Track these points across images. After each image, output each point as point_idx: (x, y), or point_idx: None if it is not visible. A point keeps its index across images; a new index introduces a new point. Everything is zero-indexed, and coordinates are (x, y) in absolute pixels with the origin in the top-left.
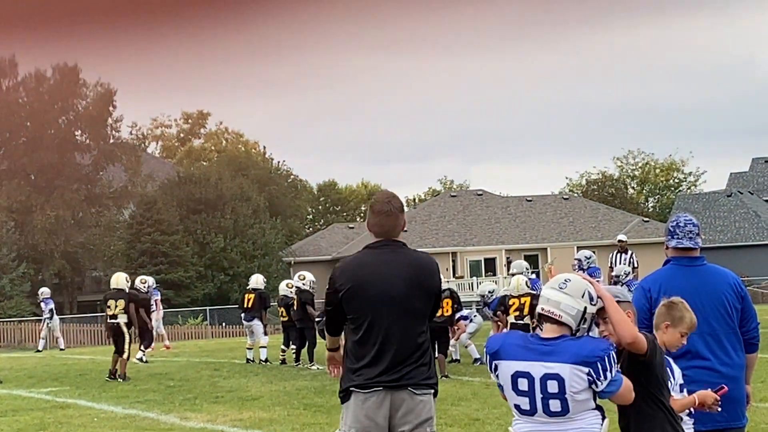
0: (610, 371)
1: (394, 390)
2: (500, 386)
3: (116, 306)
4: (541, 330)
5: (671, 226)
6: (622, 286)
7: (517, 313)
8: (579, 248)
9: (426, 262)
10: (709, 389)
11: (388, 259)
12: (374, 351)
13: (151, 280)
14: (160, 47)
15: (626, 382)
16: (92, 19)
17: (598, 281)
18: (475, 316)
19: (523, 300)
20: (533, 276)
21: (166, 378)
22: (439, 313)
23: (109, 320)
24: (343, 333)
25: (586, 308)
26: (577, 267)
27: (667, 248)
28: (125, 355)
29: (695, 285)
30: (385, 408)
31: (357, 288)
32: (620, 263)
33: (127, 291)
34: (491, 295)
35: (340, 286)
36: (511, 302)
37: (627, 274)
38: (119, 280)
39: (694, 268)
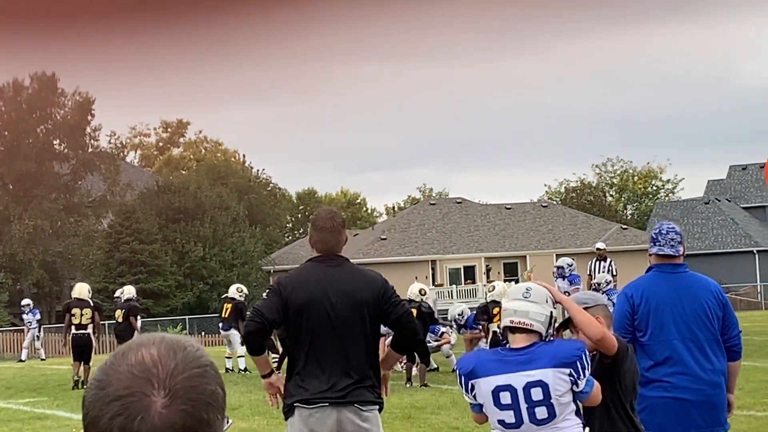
0: (588, 369)
1: (340, 406)
2: (476, 406)
3: (82, 315)
4: (508, 342)
5: (654, 234)
6: (602, 294)
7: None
8: (558, 256)
9: (369, 277)
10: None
11: (332, 273)
12: (318, 366)
13: (132, 290)
14: (138, 56)
15: (596, 383)
16: (70, 28)
17: (577, 288)
18: (450, 334)
19: None
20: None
21: None
22: None
23: (77, 331)
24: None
25: (551, 312)
26: (558, 275)
27: (650, 255)
28: (91, 362)
29: (677, 292)
30: (331, 424)
31: (301, 302)
32: (600, 271)
33: (91, 302)
34: (462, 317)
35: (285, 297)
36: (496, 311)
37: (608, 283)
38: (82, 290)
39: (676, 275)
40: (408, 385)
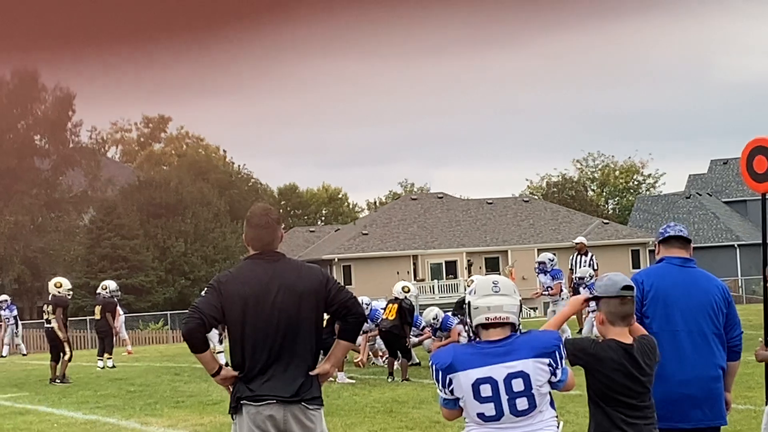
0: (564, 359)
1: (287, 404)
2: (450, 401)
3: (47, 311)
4: (479, 338)
5: (662, 232)
6: (584, 288)
7: None
8: (540, 250)
9: (309, 268)
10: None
11: (271, 268)
12: (263, 363)
13: (113, 285)
14: (120, 52)
15: (570, 371)
16: (51, 23)
17: (560, 283)
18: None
19: None
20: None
21: (127, 383)
22: (385, 316)
23: (46, 325)
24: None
25: (520, 302)
26: (539, 270)
27: (658, 251)
28: (67, 356)
29: (686, 284)
30: (278, 421)
31: (241, 298)
32: (581, 265)
33: (58, 296)
34: (438, 320)
35: (225, 294)
36: None
37: (591, 277)
38: (50, 286)
39: (685, 269)
40: (390, 380)
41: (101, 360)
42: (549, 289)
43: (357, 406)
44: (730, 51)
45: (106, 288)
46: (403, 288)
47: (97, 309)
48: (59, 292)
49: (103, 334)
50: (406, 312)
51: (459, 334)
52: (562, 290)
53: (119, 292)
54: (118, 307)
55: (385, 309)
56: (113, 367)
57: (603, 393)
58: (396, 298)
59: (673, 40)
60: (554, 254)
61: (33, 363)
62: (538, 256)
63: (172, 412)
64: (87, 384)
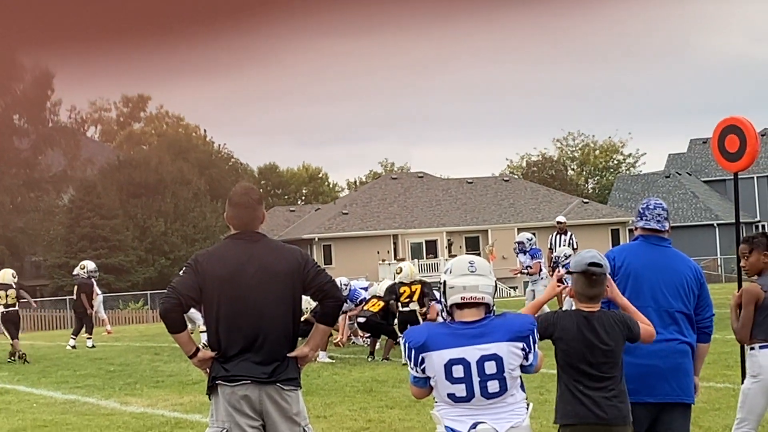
0: (537, 343)
1: (263, 384)
2: (420, 380)
3: (7, 296)
4: (452, 318)
5: (641, 209)
6: (562, 267)
7: (407, 300)
8: (520, 230)
9: (288, 250)
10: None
11: (250, 249)
12: (240, 344)
13: (91, 265)
14: (99, 31)
15: (540, 354)
16: (29, 2)
17: (539, 262)
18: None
19: (414, 288)
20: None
21: (106, 363)
22: (368, 307)
23: (6, 309)
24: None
25: (495, 282)
26: (519, 250)
27: (636, 228)
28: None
29: (659, 262)
30: (254, 401)
31: (218, 278)
32: (561, 245)
33: (14, 285)
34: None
35: (202, 273)
36: (402, 290)
37: (567, 256)
38: (6, 276)
39: (660, 248)
40: (370, 359)
41: (74, 339)
42: (528, 268)
43: (337, 386)
44: (709, 30)
45: (84, 268)
46: (396, 271)
47: (75, 289)
48: (81, 275)
49: (81, 314)
50: (389, 313)
51: (437, 314)
52: (541, 269)
53: (97, 273)
54: (96, 287)
55: (368, 301)
56: (92, 347)
57: (564, 361)
58: (381, 297)
59: (653, 19)
60: (533, 234)
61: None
62: (518, 235)
63: (151, 392)
64: (66, 364)
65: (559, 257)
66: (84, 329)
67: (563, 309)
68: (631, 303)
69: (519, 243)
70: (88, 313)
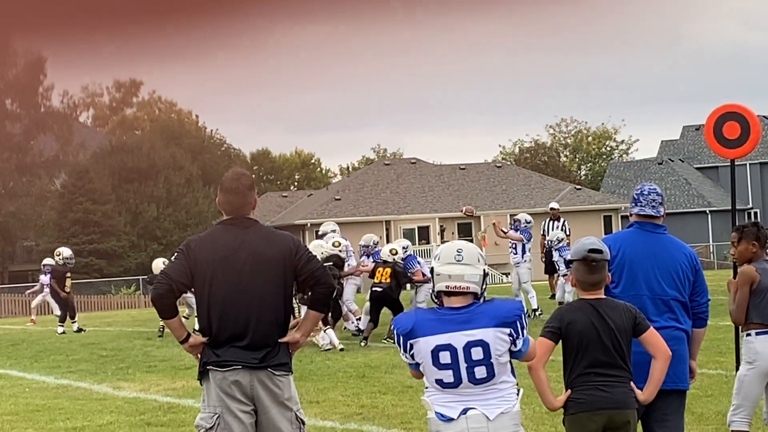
0: (526, 329)
1: (253, 370)
2: (413, 365)
3: None
4: (441, 304)
5: (636, 194)
6: (554, 251)
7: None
8: (512, 216)
9: (280, 236)
10: None
11: (241, 235)
12: (230, 329)
13: (67, 252)
14: (91, 16)
15: (532, 341)
16: None
17: (521, 237)
18: None
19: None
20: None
21: (99, 348)
22: (377, 279)
23: None
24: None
25: (484, 270)
26: (513, 227)
27: (631, 215)
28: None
29: (654, 249)
30: (245, 386)
31: (209, 263)
32: (553, 231)
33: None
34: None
35: (193, 259)
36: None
37: (560, 240)
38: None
39: (654, 234)
40: (363, 344)
41: (61, 326)
42: (558, 265)
43: (329, 371)
44: (703, 17)
45: (59, 255)
46: (390, 251)
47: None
48: (57, 261)
49: (59, 301)
50: (400, 274)
51: (423, 275)
52: (525, 251)
53: (73, 260)
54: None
55: (374, 274)
56: (78, 330)
57: (575, 352)
58: (386, 262)
59: (647, 6)
60: (532, 219)
61: (4, 327)
62: (510, 221)
63: (144, 377)
64: (59, 349)
65: (552, 241)
66: (68, 315)
67: (565, 302)
68: (626, 291)
69: (516, 220)
70: (62, 297)
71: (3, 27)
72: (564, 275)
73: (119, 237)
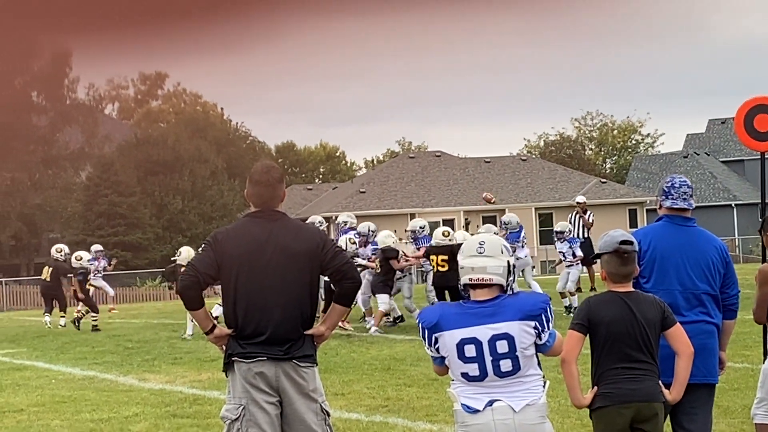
0: (552, 322)
1: (278, 361)
2: (437, 359)
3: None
4: (469, 296)
5: (666, 187)
6: (562, 242)
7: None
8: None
9: (307, 229)
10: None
11: (269, 227)
12: (256, 321)
13: (67, 249)
14: (116, 8)
15: (559, 335)
16: None
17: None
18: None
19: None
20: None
21: (125, 339)
22: (435, 267)
23: None
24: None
25: (509, 262)
26: (557, 239)
27: (661, 207)
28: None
29: (684, 243)
30: (270, 378)
31: (236, 256)
32: (576, 225)
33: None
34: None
35: (220, 251)
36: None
37: (570, 231)
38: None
39: (684, 228)
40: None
41: (48, 315)
42: (564, 256)
43: (355, 364)
44: (729, 9)
45: (60, 251)
46: (443, 233)
47: (46, 270)
48: (58, 258)
49: (47, 296)
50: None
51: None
52: (578, 259)
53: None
54: (99, 265)
55: (430, 260)
56: (65, 326)
57: (604, 345)
58: (441, 246)
59: None
60: (512, 219)
61: (30, 319)
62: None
63: (169, 369)
64: (85, 340)
65: (562, 232)
66: (59, 307)
67: (592, 294)
68: (658, 286)
69: (559, 232)
70: (65, 294)
71: (29, 20)
72: (568, 265)
73: (144, 229)
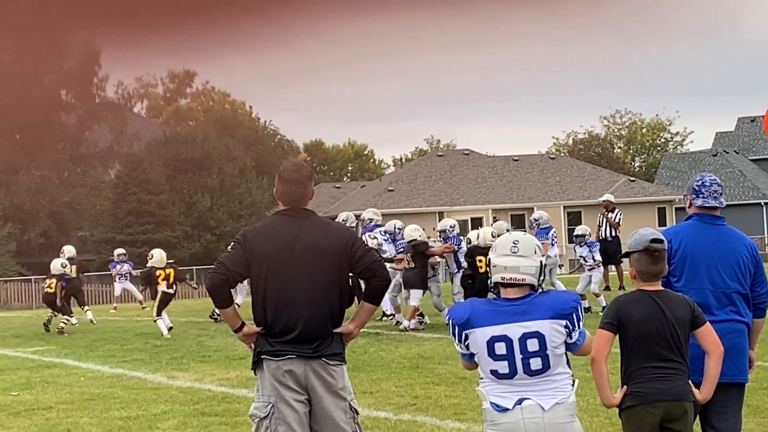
0: (582, 321)
1: (308, 359)
2: (466, 355)
3: None
4: (498, 294)
5: (696, 186)
6: (582, 246)
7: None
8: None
9: (336, 228)
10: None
11: (298, 226)
12: (285, 319)
13: (70, 250)
14: (145, 7)
15: (589, 334)
16: None
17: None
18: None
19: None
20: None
21: (153, 337)
22: (483, 269)
23: None
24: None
25: (541, 261)
26: (577, 243)
27: (691, 206)
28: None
29: (715, 242)
30: (299, 376)
31: (265, 254)
32: (602, 224)
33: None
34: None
35: (249, 249)
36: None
37: (589, 235)
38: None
39: (715, 227)
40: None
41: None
42: (584, 260)
43: (383, 362)
44: (758, 8)
45: (63, 254)
46: (492, 234)
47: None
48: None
49: (70, 294)
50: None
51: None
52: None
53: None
54: (126, 266)
55: (477, 260)
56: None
57: (634, 344)
58: (482, 248)
59: None
60: (541, 216)
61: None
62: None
63: (198, 367)
64: (113, 338)
65: (581, 236)
66: (78, 304)
67: (621, 293)
68: (689, 285)
69: (579, 236)
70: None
71: (59, 19)
72: (590, 268)
73: (173, 227)
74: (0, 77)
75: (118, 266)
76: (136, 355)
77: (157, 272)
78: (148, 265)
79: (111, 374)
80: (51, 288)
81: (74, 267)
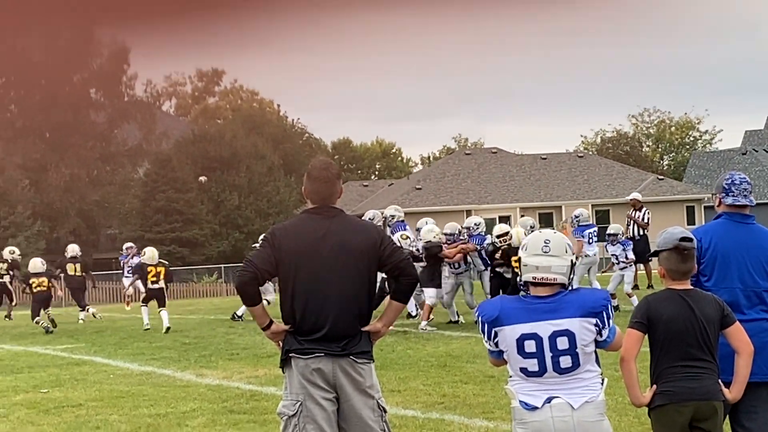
0: (612, 319)
1: (336, 357)
2: (495, 352)
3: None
4: (527, 292)
5: (726, 184)
6: (615, 245)
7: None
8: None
9: (365, 226)
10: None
11: (326, 224)
12: (313, 317)
13: (74, 249)
14: (174, 5)
15: (618, 330)
16: None
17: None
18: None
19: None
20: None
21: (182, 335)
22: (517, 267)
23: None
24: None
25: (572, 261)
26: (609, 242)
27: (720, 204)
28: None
29: (745, 240)
30: (327, 374)
31: (294, 252)
32: (629, 223)
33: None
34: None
35: (278, 247)
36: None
37: (622, 234)
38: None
39: (745, 225)
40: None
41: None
42: (617, 258)
43: (411, 360)
44: None
45: (13, 252)
46: (526, 234)
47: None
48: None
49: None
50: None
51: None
52: (631, 261)
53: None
54: (137, 259)
55: (511, 261)
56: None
57: (664, 343)
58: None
59: None
60: (582, 213)
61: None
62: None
63: (226, 365)
64: (142, 336)
65: (613, 235)
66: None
67: (650, 292)
68: (719, 285)
69: (611, 235)
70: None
71: (87, 18)
72: (622, 267)
73: (201, 225)
74: (30, 76)
75: (127, 259)
76: (164, 352)
77: (148, 268)
78: (140, 260)
79: (140, 372)
80: (43, 286)
81: (78, 265)
